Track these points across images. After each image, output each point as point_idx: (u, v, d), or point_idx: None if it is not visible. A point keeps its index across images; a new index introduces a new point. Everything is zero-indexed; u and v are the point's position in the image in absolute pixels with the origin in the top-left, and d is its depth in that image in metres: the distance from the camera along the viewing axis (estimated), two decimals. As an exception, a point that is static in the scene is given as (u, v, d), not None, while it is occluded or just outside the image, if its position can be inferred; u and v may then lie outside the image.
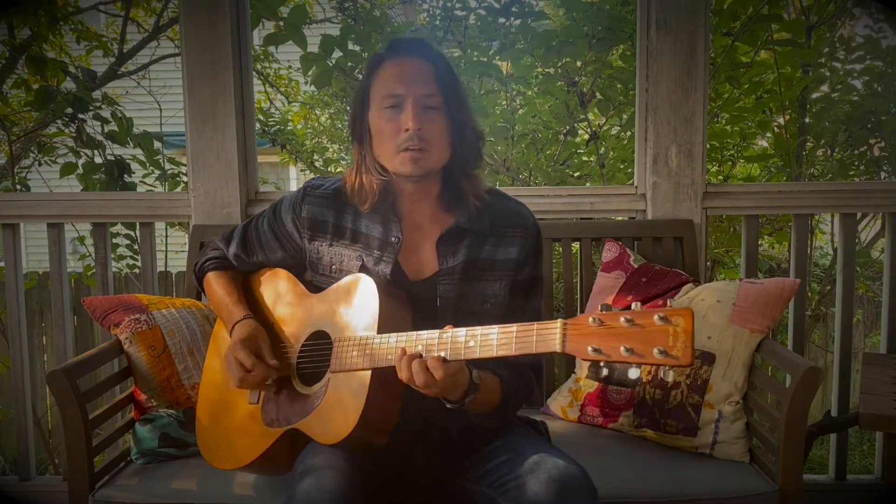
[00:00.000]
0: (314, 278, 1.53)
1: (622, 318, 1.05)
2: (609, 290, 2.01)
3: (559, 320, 1.12)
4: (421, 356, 1.21)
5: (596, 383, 1.89)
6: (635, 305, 1.06)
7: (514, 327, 1.17)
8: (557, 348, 1.10)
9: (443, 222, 1.47)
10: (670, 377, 1.05)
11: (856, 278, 2.61)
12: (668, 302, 1.06)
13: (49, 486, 2.36)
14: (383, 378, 1.30)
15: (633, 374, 1.08)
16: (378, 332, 1.31)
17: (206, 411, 1.61)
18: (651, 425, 1.79)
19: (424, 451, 1.45)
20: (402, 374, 1.22)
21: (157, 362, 1.78)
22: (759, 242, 2.64)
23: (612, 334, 1.06)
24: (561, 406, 1.96)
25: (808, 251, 3.01)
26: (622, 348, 1.04)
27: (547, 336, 1.12)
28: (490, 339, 1.18)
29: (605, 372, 1.10)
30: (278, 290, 1.59)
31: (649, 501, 1.56)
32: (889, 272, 2.27)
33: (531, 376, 1.46)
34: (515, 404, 1.43)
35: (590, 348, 1.07)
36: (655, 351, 1.02)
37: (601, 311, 1.08)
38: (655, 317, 1.03)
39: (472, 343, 1.20)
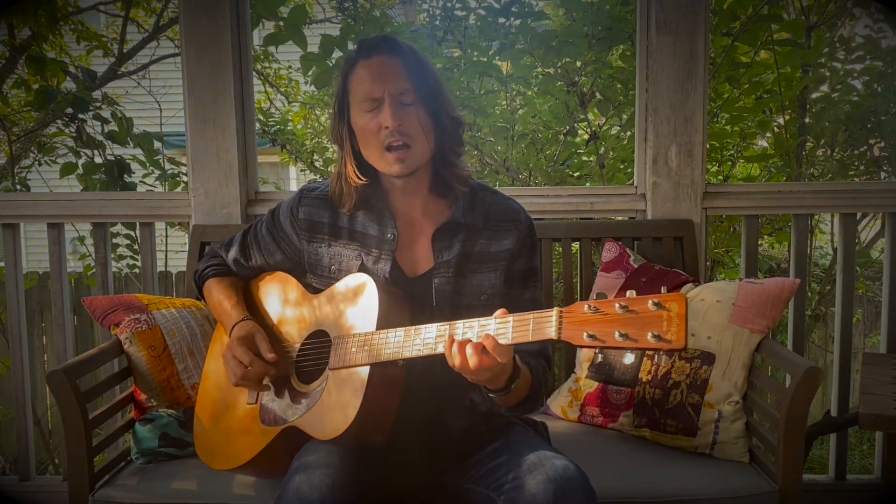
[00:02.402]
0: (314, 280, 1.55)
1: (617, 305, 1.07)
2: (609, 290, 2.01)
3: (555, 308, 1.14)
4: (471, 341, 1.21)
5: (596, 383, 1.89)
6: (630, 293, 1.08)
7: (510, 317, 1.19)
8: (553, 335, 1.12)
9: (437, 217, 1.49)
10: (664, 361, 1.06)
11: (856, 278, 2.61)
12: (663, 288, 1.07)
13: (49, 486, 2.36)
14: (382, 376, 1.31)
15: (628, 359, 1.10)
16: (377, 330, 1.32)
17: (205, 413, 1.61)
18: (651, 425, 1.79)
19: (424, 451, 1.45)
20: (455, 361, 1.22)
21: (157, 362, 1.78)
22: (759, 242, 2.64)
23: (607, 321, 1.07)
24: (561, 406, 1.96)
25: (808, 251, 3.01)
26: (617, 334, 1.06)
27: (543, 324, 1.14)
28: (487, 330, 1.20)
29: (600, 358, 1.11)
30: (278, 293, 1.60)
31: (649, 501, 1.56)
32: (889, 272, 2.27)
33: (544, 365, 1.47)
34: (542, 392, 1.45)
35: (585, 335, 1.08)
36: (649, 335, 1.03)
37: (596, 299, 1.09)
38: (649, 302, 1.04)
39: (469, 334, 1.21)
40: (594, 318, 1.09)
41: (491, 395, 1.31)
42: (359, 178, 1.45)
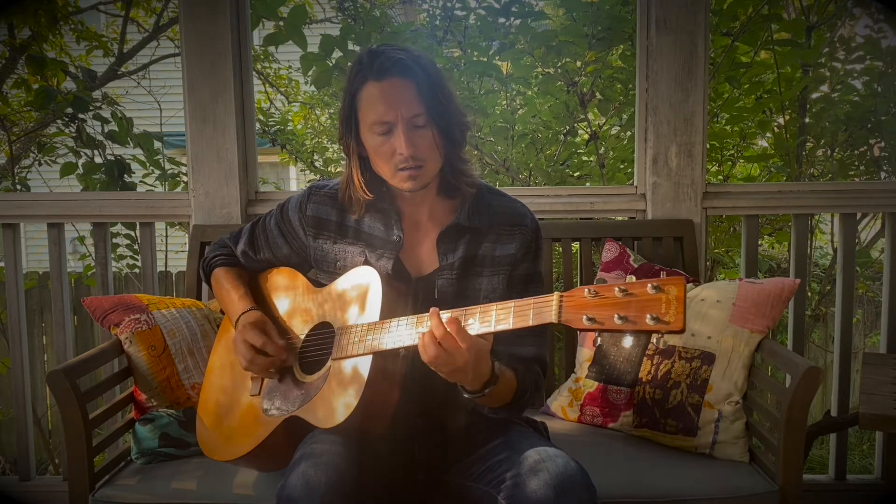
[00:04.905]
0: (319, 275, 1.57)
1: (616, 289, 1.09)
2: (609, 290, 2.01)
3: (556, 293, 1.15)
4: (432, 332, 1.22)
5: (596, 383, 1.89)
6: (629, 278, 1.10)
7: (511, 303, 1.20)
8: (553, 319, 1.13)
9: (442, 219, 1.50)
10: (663, 344, 1.07)
11: (856, 278, 2.61)
12: (662, 273, 1.07)
13: (49, 486, 2.36)
14: (384, 366, 1.33)
15: (627, 342, 1.11)
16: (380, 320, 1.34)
17: (208, 405, 1.62)
18: (651, 425, 1.79)
19: (424, 448, 1.46)
20: (427, 355, 1.22)
21: (157, 362, 1.78)
22: (759, 242, 2.64)
23: (607, 304, 1.09)
24: (561, 406, 1.96)
25: (808, 251, 3.01)
26: (616, 317, 1.07)
27: (543, 308, 1.15)
28: (488, 316, 1.21)
29: (599, 341, 1.12)
30: (284, 286, 1.62)
31: (649, 501, 1.56)
32: (889, 272, 2.27)
33: (538, 371, 1.47)
34: (528, 398, 1.45)
35: (584, 318, 1.10)
36: (648, 318, 1.05)
37: (596, 284, 1.12)
38: (648, 286, 1.06)
39: (471, 321, 1.22)
40: (594, 302, 1.10)
41: (465, 395, 1.31)
42: (366, 193, 1.46)
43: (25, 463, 2.37)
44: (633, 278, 1.09)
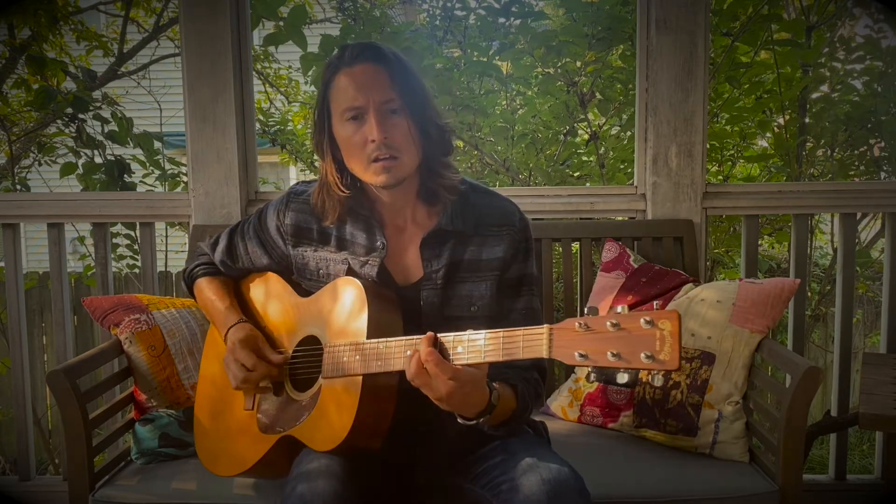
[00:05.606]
0: (302, 283, 1.52)
1: (608, 323, 1.04)
2: (609, 290, 2.01)
3: (546, 326, 1.11)
4: (418, 354, 1.19)
5: (596, 383, 1.89)
6: (622, 309, 1.04)
7: (501, 332, 1.15)
8: (544, 354, 1.09)
9: (425, 224, 1.45)
10: (658, 382, 1.03)
11: (856, 278, 2.61)
12: (654, 304, 1.05)
13: (49, 486, 2.36)
14: (375, 383, 1.29)
15: (622, 378, 1.06)
16: (368, 336, 1.30)
17: (203, 418, 1.60)
18: (651, 425, 1.79)
19: (421, 451, 1.45)
20: (409, 372, 1.20)
21: (157, 362, 1.78)
22: (759, 242, 2.64)
23: (599, 339, 1.04)
24: (561, 406, 1.96)
25: (808, 251, 3.01)
26: (609, 353, 1.02)
27: (533, 342, 1.11)
28: (477, 345, 1.17)
29: (593, 376, 1.08)
30: (269, 294, 1.57)
31: (649, 501, 1.56)
32: (889, 272, 2.27)
33: (536, 378, 1.44)
34: (528, 415, 1.41)
35: (577, 354, 1.05)
36: (642, 356, 1.00)
37: (588, 314, 1.07)
38: (641, 320, 1.01)
39: (459, 349, 1.18)
40: (586, 337, 1.05)
41: (459, 420, 1.27)
42: (342, 190, 1.40)
43: (25, 463, 2.37)
44: (626, 308, 1.04)
